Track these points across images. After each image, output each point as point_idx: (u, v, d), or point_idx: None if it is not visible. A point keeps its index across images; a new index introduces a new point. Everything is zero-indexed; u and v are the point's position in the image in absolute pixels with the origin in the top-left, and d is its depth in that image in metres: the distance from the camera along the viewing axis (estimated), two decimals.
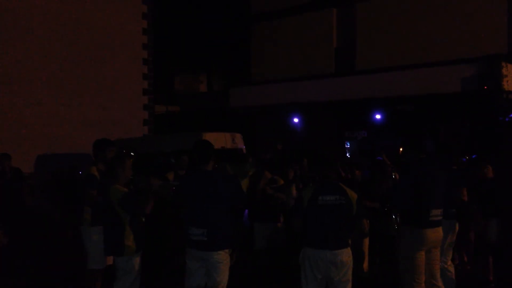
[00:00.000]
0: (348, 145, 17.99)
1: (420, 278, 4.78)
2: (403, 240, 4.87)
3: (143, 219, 4.91)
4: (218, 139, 10.71)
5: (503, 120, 14.01)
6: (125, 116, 14.98)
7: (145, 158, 9.83)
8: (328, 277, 4.40)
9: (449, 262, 5.56)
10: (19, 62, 12.48)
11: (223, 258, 4.46)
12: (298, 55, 18.89)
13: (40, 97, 12.89)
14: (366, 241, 6.91)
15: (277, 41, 19.63)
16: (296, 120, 18.34)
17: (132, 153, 6.66)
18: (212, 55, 23.97)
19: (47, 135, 12.91)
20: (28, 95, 12.64)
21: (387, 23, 16.75)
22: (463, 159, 8.41)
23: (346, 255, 4.38)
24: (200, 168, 4.59)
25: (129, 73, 15.31)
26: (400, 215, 5.00)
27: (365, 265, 6.92)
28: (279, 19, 19.66)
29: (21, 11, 12.53)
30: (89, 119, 13.74)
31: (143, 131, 15.80)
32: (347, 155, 17.45)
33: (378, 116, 16.24)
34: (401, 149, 7.51)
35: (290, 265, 6.17)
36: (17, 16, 12.47)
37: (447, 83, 14.55)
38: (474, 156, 8.80)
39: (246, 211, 9.58)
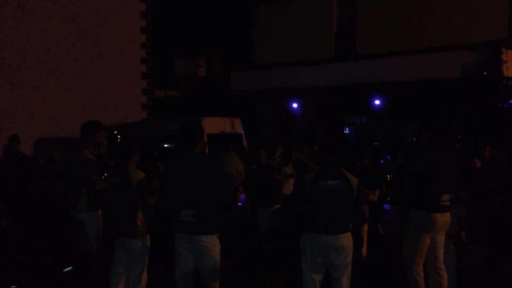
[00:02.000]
0: (347, 131, 17.99)
1: (420, 261, 4.81)
2: (410, 222, 4.85)
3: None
4: (217, 124, 10.70)
5: (502, 106, 14.02)
6: (124, 100, 14.90)
7: (144, 142, 9.83)
8: (329, 261, 4.43)
9: (452, 245, 5.57)
10: (18, 45, 12.39)
11: (212, 243, 4.43)
12: (298, 40, 18.78)
13: (40, 80, 12.83)
14: (365, 226, 6.97)
15: (278, 25, 19.50)
16: (295, 105, 18.29)
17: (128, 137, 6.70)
18: (212, 39, 23.77)
19: (47, 119, 12.89)
20: (28, 78, 12.57)
21: (388, 7, 16.64)
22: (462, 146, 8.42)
23: (347, 239, 4.41)
24: (188, 150, 4.58)
25: (128, 57, 15.20)
26: (407, 198, 4.96)
27: (364, 250, 6.99)
28: (280, 3, 19.51)
29: None
30: (88, 103, 13.68)
31: (142, 115, 15.74)
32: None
33: (377, 102, 16.22)
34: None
35: (291, 249, 6.21)
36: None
37: (447, 69, 14.51)
38: (472, 144, 8.81)
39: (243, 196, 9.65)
